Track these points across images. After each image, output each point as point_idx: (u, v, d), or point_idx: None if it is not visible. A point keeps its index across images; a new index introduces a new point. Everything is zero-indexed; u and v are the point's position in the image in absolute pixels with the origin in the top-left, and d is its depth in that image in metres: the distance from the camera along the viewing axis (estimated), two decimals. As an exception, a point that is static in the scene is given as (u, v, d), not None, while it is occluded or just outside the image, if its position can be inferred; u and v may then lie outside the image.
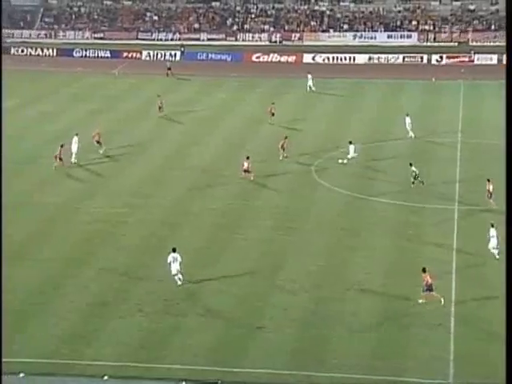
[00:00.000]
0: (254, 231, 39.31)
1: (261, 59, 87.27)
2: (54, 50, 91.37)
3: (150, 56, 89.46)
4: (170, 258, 33.29)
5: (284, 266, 35.35)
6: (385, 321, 30.69)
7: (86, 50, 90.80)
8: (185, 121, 61.28)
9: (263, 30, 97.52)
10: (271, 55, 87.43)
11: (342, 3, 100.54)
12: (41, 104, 66.09)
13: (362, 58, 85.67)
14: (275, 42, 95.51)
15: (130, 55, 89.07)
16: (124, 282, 33.71)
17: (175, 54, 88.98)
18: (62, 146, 48.75)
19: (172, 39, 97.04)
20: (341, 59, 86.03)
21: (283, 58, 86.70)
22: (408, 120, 54.71)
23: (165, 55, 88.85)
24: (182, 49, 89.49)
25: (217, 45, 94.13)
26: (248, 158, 46.49)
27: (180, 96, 69.54)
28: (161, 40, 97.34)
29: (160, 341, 29.18)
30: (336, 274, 34.60)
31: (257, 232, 39.20)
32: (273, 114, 58.80)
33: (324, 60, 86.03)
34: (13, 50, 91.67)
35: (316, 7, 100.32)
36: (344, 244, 37.93)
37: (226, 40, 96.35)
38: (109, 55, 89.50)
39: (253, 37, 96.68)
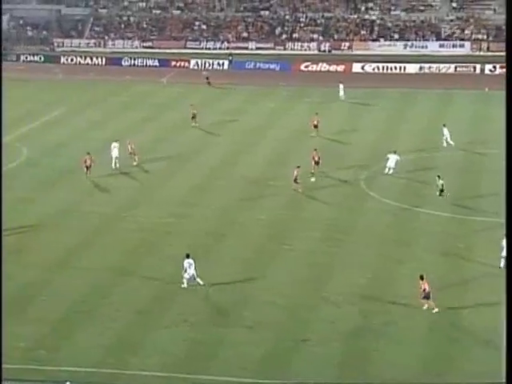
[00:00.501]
0: (302, 242, 39.23)
1: (309, 68, 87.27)
2: (103, 59, 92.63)
3: (198, 65, 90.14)
4: (185, 264, 33.61)
5: (331, 278, 35.19)
6: (433, 334, 30.36)
7: (134, 59, 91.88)
8: (232, 130, 61.56)
9: (312, 39, 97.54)
10: (320, 64, 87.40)
11: (392, 12, 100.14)
12: (89, 112, 66.98)
13: (412, 68, 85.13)
14: (324, 51, 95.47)
15: (178, 64, 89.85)
16: (169, 291, 33.84)
17: (223, 63, 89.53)
18: (88, 154, 48.58)
19: (220, 48, 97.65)
20: (391, 69, 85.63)
21: (332, 68, 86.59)
22: (445, 131, 54.59)
23: (213, 64, 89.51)
24: (230, 58, 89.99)
25: (265, 54, 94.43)
26: (298, 167, 46.43)
27: (227, 105, 69.88)
28: (209, 49, 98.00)
29: (206, 352, 29.18)
30: (384, 286, 34.34)
31: (304, 243, 39.11)
32: (315, 126, 58.25)
33: (374, 69, 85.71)
34: (62, 59, 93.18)
35: (366, 16, 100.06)
36: (392, 256, 37.64)
37: (274, 49, 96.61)
38: (157, 64, 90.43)
39: (301, 46, 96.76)
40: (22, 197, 45.42)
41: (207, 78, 78.77)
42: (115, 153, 50.74)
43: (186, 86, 78.83)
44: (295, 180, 45.92)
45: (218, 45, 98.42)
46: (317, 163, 48.68)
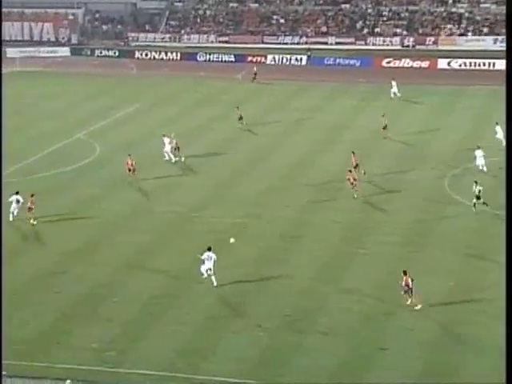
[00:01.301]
0: (380, 247, 38.95)
1: (391, 64, 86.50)
2: (178, 54, 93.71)
3: (274, 60, 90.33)
4: (204, 256, 34.28)
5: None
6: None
7: (209, 54, 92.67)
8: (307, 129, 61.50)
9: (395, 34, 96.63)
10: (403, 60, 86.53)
11: (482, 4, 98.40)
12: (162, 109, 67.85)
13: (502, 64, 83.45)
14: (408, 46, 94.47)
15: (254, 59, 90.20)
16: (242, 295, 34.05)
17: (301, 59, 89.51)
18: (129, 155, 48.58)
19: (298, 43, 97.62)
20: (479, 65, 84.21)
21: (416, 64, 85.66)
22: (499, 129, 53.15)
23: (290, 60, 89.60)
24: (309, 53, 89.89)
25: (345, 49, 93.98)
26: (350, 171, 45.44)
27: (303, 103, 69.85)
28: (286, 44, 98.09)
29: (279, 358, 29.26)
30: (467, 294, 33.80)
31: (383, 248, 38.82)
32: (385, 127, 57.50)
33: (460, 66, 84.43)
34: (137, 54, 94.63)
35: (453, 9, 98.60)
36: (475, 263, 37.05)
37: (354, 44, 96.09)
38: (233, 59, 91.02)
39: (384, 41, 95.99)
40: (93, 194, 46.34)
41: (255, 74, 78.85)
42: (167, 148, 52.13)
43: (262, 82, 79.01)
44: (352, 184, 45.15)
45: (296, 40, 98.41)
46: (356, 167, 47.19)
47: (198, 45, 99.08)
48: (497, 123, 53.73)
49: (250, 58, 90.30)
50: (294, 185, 48.13)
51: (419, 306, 32.34)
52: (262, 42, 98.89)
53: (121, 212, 43.58)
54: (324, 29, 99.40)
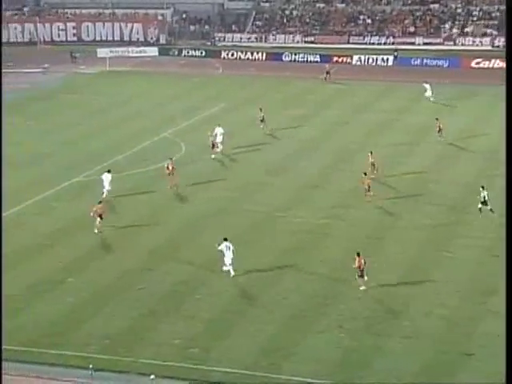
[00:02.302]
0: (466, 251, 38.29)
1: (481, 65, 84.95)
2: (264, 54, 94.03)
3: (360, 61, 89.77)
4: (222, 246, 35.24)
5: (498, 290, 34.05)
6: None
7: (295, 54, 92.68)
8: (394, 129, 60.88)
9: (485, 34, 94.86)
10: (493, 61, 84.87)
11: None
12: (247, 109, 68.14)
13: None
14: (498, 46, 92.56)
15: (340, 60, 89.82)
16: (325, 296, 33.94)
17: (387, 59, 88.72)
18: (171, 159, 48.00)
19: (385, 43, 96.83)
20: None
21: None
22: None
23: (376, 60, 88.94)
24: (396, 53, 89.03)
25: (433, 49, 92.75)
26: (365, 174, 45.14)
27: (389, 103, 69.19)
28: (373, 44, 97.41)
29: (360, 360, 29.08)
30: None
31: (469, 252, 38.16)
32: (439, 130, 56.56)
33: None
34: (223, 54, 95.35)
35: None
36: None
37: (443, 44, 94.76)
38: (318, 59, 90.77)
39: (473, 41, 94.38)
40: (179, 192, 46.86)
41: (327, 73, 78.55)
42: (219, 139, 53.25)
43: (348, 82, 78.66)
44: (366, 189, 44.65)
45: (383, 40, 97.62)
46: (373, 165, 48.03)
47: (283, 45, 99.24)
48: None
49: (335, 59, 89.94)
50: (378, 186, 47.69)
51: (363, 287, 33.79)
52: (348, 43, 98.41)
53: (206, 210, 43.96)
54: (412, 29, 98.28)
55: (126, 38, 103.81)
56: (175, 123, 62.34)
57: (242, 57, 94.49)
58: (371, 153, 48.93)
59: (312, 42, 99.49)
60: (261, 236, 40.62)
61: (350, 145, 56.77)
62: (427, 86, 69.21)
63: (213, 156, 53.43)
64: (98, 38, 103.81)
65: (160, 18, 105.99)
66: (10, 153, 54.46)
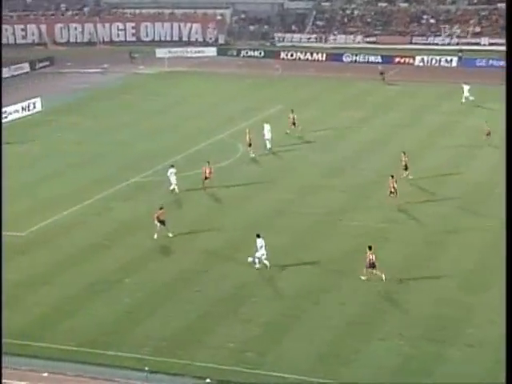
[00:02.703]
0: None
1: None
2: (324, 55, 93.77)
3: (423, 61, 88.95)
4: (258, 243, 36.14)
5: None
6: None
7: (356, 55, 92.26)
8: (456, 132, 60.21)
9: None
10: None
11: None
12: (305, 110, 67.97)
13: None
14: None
15: (402, 60, 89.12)
16: (383, 301, 33.66)
17: (451, 60, 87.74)
18: (208, 163, 47.56)
19: (449, 44, 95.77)
20: None
21: None
22: None
23: (440, 61, 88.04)
24: (460, 54, 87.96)
25: (499, 50, 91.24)
26: (393, 176, 44.58)
27: (451, 105, 68.38)
28: (436, 44, 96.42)
29: (420, 368, 28.73)
30: None
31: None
32: (488, 134, 55.77)
33: None
34: (282, 54, 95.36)
35: None
36: None
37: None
38: (380, 60, 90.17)
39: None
40: (235, 194, 46.98)
41: (382, 73, 78.59)
42: (268, 135, 54.35)
43: (409, 84, 77.98)
44: (391, 191, 44.00)
45: (447, 40, 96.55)
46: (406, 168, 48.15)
47: (344, 45, 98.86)
48: None
49: (397, 59, 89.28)
50: (438, 189, 47.17)
51: (384, 278, 34.72)
52: (411, 43, 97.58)
53: (263, 212, 43.97)
54: (477, 29, 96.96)
55: (185, 38, 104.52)
56: (233, 124, 62.49)
57: (302, 57, 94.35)
58: (404, 153, 48.60)
59: (373, 43, 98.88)
60: (317, 239, 40.44)
61: (410, 147, 56.18)
62: (466, 87, 68.40)
63: (252, 155, 53.74)
64: (156, 38, 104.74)
65: (219, 17, 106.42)
66: (71, 152, 55.32)
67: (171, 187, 46.37)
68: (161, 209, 40.54)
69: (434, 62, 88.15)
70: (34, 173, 51.04)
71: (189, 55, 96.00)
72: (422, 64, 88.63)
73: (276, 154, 54.81)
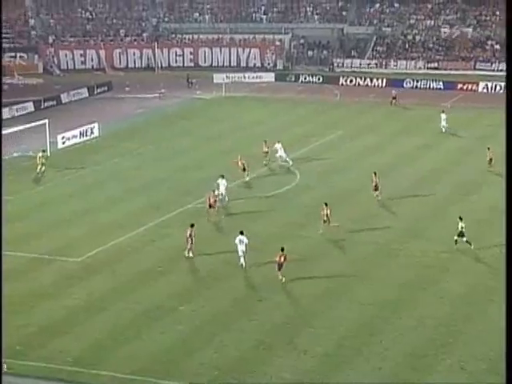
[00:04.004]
0: None
1: None
2: (384, 81, 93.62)
3: (487, 88, 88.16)
4: (236, 240, 39.12)
5: None
6: None
7: (417, 81, 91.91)
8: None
9: None
10: None
11: None
12: (365, 137, 67.86)
13: None
14: None
15: (465, 87, 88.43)
16: (445, 334, 33.14)
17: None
18: (213, 191, 47.77)
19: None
20: None
21: None
22: None
23: (505, 88, 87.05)
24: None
25: None
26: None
27: None
28: (501, 71, 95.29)
29: (482, 404, 28.32)
30: None
31: None
32: (490, 161, 55.29)
33: None
34: (341, 80, 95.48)
35: None
36: None
37: None
38: (441, 86, 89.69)
39: None
40: (292, 221, 46.93)
41: (394, 98, 79.15)
42: (281, 152, 57.14)
43: (472, 111, 77.32)
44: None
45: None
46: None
47: (405, 71, 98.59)
48: None
49: (459, 86, 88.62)
50: (501, 218, 46.41)
51: (283, 279, 37.50)
52: (474, 69, 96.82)
53: (319, 241, 43.85)
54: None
55: (243, 64, 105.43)
56: (290, 150, 62.59)
57: (361, 83, 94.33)
58: (375, 173, 49.81)
59: (435, 68, 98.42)
60: (376, 269, 40.13)
61: (473, 175, 55.63)
62: (443, 115, 68.44)
63: (265, 163, 57.21)
64: (214, 64, 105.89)
65: (278, 43, 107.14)
66: (128, 178, 56.02)
67: (224, 199, 48.68)
68: (192, 226, 41.37)
69: (498, 88, 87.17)
70: (92, 198, 51.74)
71: (247, 80, 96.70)
72: (485, 90, 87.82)
73: (331, 182, 54.71)
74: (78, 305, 35.97)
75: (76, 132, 67.34)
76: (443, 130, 68.61)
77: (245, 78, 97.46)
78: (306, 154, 62.75)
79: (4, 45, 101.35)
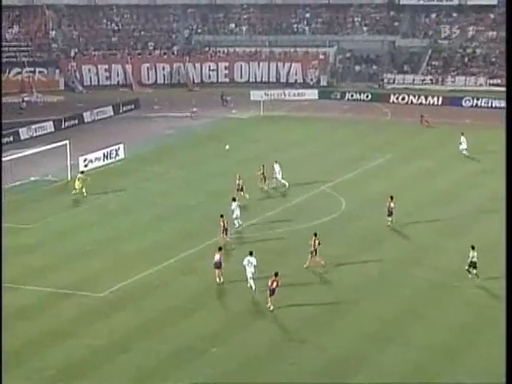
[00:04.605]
0: None
1: None
2: (440, 98, 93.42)
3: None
4: (245, 261, 40.47)
5: None
6: None
7: (477, 99, 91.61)
8: None
9: None
10: None
11: None
12: (419, 160, 67.63)
13: None
14: None
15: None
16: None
17: None
18: (222, 217, 48.11)
19: None
20: None
21: None
22: None
23: None
24: None
25: None
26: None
27: None
28: None
29: None
30: None
31: None
32: None
33: None
34: (392, 98, 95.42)
35: None
36: None
37: None
38: (504, 105, 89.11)
39: None
40: (338, 254, 46.84)
41: (421, 117, 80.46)
42: (278, 174, 59.22)
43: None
44: None
45: None
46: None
47: (463, 88, 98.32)
48: None
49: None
50: None
51: (271, 308, 38.97)
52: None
53: (367, 274, 43.79)
54: None
55: (283, 80, 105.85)
56: (335, 175, 62.69)
57: (414, 101, 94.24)
58: (391, 198, 51.01)
59: (498, 85, 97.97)
60: (431, 307, 39.93)
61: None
62: (463, 138, 68.59)
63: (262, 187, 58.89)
64: (251, 80, 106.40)
65: (322, 57, 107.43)
66: (156, 204, 56.40)
67: (236, 222, 49.97)
68: (220, 250, 42.68)
69: None
70: (115, 227, 52.12)
71: (287, 98, 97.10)
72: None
73: (378, 210, 54.58)
74: (99, 345, 36.19)
75: (99, 154, 68.02)
76: (465, 153, 68.74)
77: (285, 95, 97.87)
78: (353, 179, 62.73)
79: (22, 59, 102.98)
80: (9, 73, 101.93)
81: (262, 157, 69.57)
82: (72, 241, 49.40)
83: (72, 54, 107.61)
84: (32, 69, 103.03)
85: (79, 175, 59.15)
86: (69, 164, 63.05)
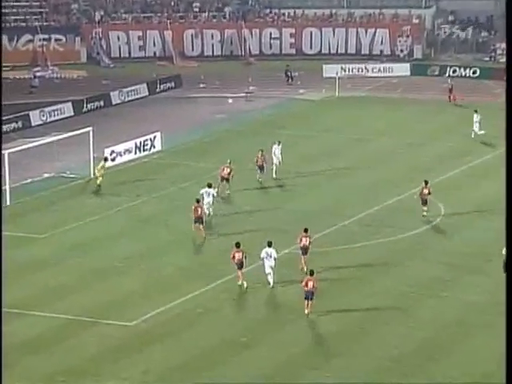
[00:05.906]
0: None
1: None
2: None
3: None
4: (263, 254, 43.55)
5: None
6: None
7: None
8: None
9: None
10: None
11: None
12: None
13: None
14: None
15: None
16: None
17: None
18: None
19: None
20: None
21: None
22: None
23: None
24: None
25: None
26: None
27: None
28: None
29: None
30: None
31: None
32: None
33: None
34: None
35: None
36: None
37: None
38: None
39: None
40: (435, 276, 46.87)
41: (450, 90, 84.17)
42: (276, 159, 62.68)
43: None
44: None
45: None
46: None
47: None
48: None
49: None
50: None
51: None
52: None
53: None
54: None
55: (365, 51, 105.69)
56: (431, 174, 62.47)
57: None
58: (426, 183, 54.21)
59: None
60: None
61: None
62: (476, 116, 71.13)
63: (260, 179, 61.59)
64: (324, 51, 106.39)
65: (415, 21, 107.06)
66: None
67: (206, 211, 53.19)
68: (237, 246, 45.14)
69: None
70: (149, 238, 52.29)
71: (370, 74, 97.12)
72: None
73: (488, 219, 54.51)
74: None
75: (130, 145, 68.32)
76: (472, 134, 71.09)
77: (368, 70, 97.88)
78: (454, 178, 62.56)
79: (34, 23, 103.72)
80: (17, 41, 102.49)
81: (336, 151, 69.66)
82: (95, 255, 49.79)
83: (97, 17, 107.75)
84: (46, 36, 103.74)
85: (102, 163, 59.92)
86: (91, 157, 63.48)
